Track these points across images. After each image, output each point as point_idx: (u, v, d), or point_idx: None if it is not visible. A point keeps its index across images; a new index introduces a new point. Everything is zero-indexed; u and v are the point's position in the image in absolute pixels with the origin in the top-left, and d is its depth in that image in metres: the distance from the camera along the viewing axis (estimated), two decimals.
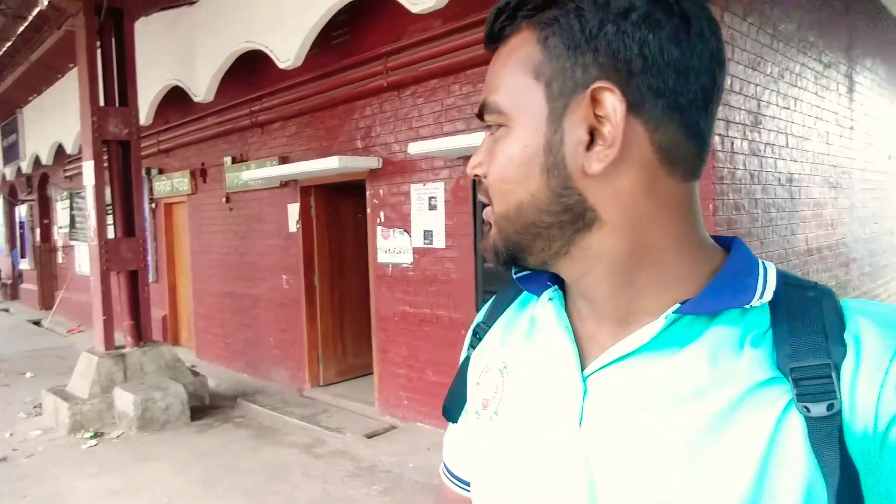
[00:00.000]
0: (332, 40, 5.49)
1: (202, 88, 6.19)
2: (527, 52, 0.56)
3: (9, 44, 8.15)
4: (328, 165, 5.17)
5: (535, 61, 0.55)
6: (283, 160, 6.36)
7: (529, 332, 0.68)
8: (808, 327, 0.52)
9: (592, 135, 0.54)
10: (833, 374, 0.49)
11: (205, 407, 6.00)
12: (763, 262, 0.58)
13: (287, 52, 5.01)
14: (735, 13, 3.39)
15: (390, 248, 5.26)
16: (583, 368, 0.59)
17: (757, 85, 3.65)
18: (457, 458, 0.79)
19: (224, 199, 7.39)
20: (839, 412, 0.49)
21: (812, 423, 0.49)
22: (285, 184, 6.41)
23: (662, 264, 0.57)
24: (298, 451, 4.86)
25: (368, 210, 5.46)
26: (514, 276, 0.69)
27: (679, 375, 0.54)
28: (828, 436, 0.48)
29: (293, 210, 6.35)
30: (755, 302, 0.54)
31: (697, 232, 0.58)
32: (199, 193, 7.98)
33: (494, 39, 0.60)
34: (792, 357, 0.51)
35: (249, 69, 6.22)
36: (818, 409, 0.49)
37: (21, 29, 7.52)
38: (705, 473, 0.50)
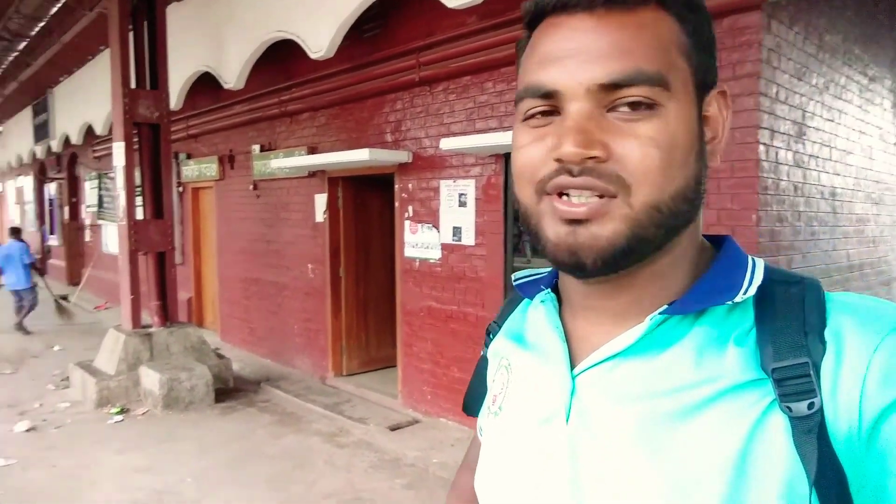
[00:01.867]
0: (364, 32, 5.49)
1: (233, 75, 6.22)
2: (673, 33, 0.55)
3: (42, 24, 8.26)
4: (358, 157, 5.19)
5: (686, 46, 0.55)
6: (312, 150, 6.40)
7: (527, 332, 0.71)
8: (789, 325, 0.53)
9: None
10: (812, 373, 0.50)
11: (229, 390, 6.10)
12: (753, 259, 0.59)
13: (319, 42, 5.02)
14: (781, 21, 3.34)
15: (418, 243, 5.29)
16: (573, 367, 0.61)
17: (802, 95, 3.60)
18: None
19: (251, 187, 7.45)
20: (820, 410, 0.49)
21: (794, 422, 0.49)
22: (313, 174, 6.45)
23: (684, 262, 0.60)
24: (322, 439, 4.93)
25: (396, 204, 5.48)
26: (515, 283, 0.72)
27: (663, 373, 0.55)
28: (808, 433, 0.48)
29: (321, 200, 6.39)
30: (738, 298, 0.54)
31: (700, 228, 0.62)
32: (226, 179, 8.05)
33: (607, 1, 0.54)
34: (774, 357, 0.51)
35: (280, 58, 6.25)
36: (799, 408, 0.49)
37: (54, 10, 7.62)
38: (671, 456, 0.52)
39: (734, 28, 3.29)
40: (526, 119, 0.58)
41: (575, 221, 0.54)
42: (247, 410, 5.63)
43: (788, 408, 0.49)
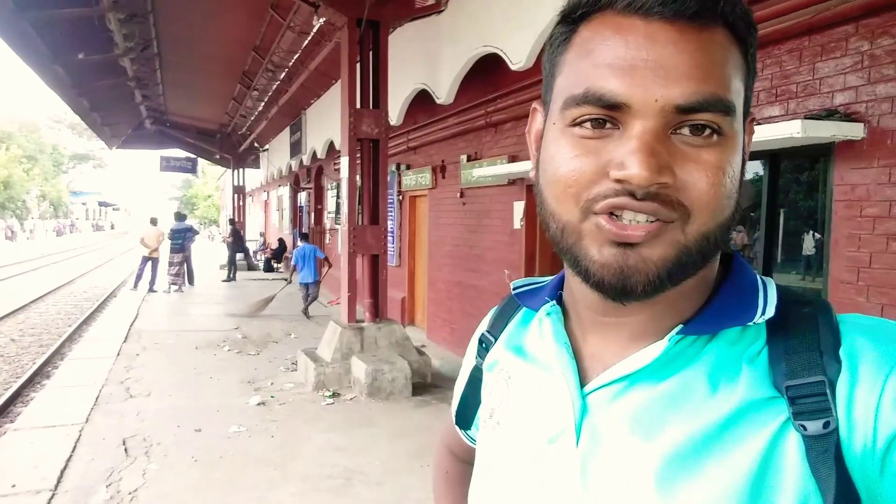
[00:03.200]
0: None
1: (444, 91, 6.65)
2: (736, 57, 0.52)
3: (296, 55, 9.63)
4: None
5: (743, 71, 0.52)
6: (513, 159, 6.57)
7: (527, 344, 0.68)
8: (803, 344, 0.51)
9: None
10: (828, 391, 0.48)
11: (426, 384, 6.50)
12: (762, 279, 0.57)
13: (518, 54, 5.16)
14: None
15: None
16: (582, 385, 0.58)
17: None
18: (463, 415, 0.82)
19: (458, 195, 7.87)
20: (836, 430, 0.48)
21: (809, 442, 0.48)
22: (513, 182, 6.62)
23: (702, 282, 0.57)
24: None
25: None
26: (514, 292, 0.70)
27: (677, 396, 0.53)
28: (824, 453, 0.47)
29: (518, 208, 6.53)
30: (757, 319, 0.52)
31: None
32: (438, 188, 8.60)
33: (692, 15, 0.49)
34: (788, 375, 0.50)
35: (486, 72, 6.53)
36: (814, 427, 0.48)
37: (305, 43, 8.84)
38: (687, 493, 0.50)
39: None
40: (572, 125, 0.52)
41: (626, 244, 0.50)
42: (439, 405, 5.95)
43: (803, 426, 0.48)
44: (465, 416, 0.78)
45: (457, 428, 0.86)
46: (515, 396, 0.65)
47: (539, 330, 0.66)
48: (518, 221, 6.55)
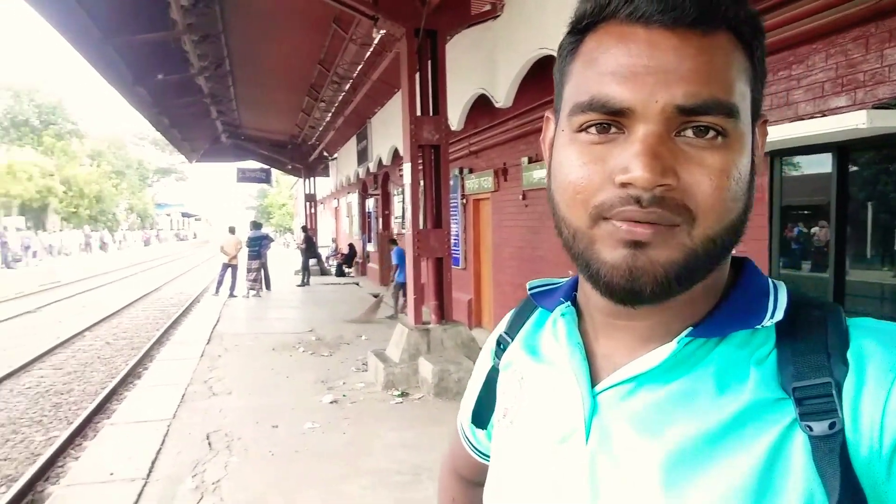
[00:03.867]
0: None
1: (502, 95, 6.73)
2: (741, 61, 0.52)
3: (360, 66, 9.93)
4: None
5: (749, 74, 0.53)
6: None
7: (542, 345, 0.69)
8: (811, 347, 0.52)
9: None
10: (834, 392, 0.49)
11: None
12: (774, 282, 0.57)
13: None
14: None
15: None
16: (593, 385, 0.59)
17: None
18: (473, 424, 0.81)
19: (521, 197, 7.94)
20: (841, 430, 0.48)
21: (815, 442, 0.49)
22: None
23: (712, 286, 0.58)
24: None
25: None
26: (530, 293, 0.71)
27: (685, 397, 0.54)
28: (830, 453, 0.48)
29: None
30: (766, 322, 0.53)
31: None
32: (500, 191, 8.69)
33: (711, 17, 0.51)
34: (795, 377, 0.51)
35: (544, 75, 6.56)
36: (820, 428, 0.49)
37: (367, 54, 9.12)
38: (694, 492, 0.51)
39: None
40: (578, 131, 0.54)
41: (636, 244, 0.51)
42: None
43: (809, 427, 0.49)
44: (481, 417, 0.78)
45: (464, 444, 0.86)
46: (528, 396, 0.66)
47: (553, 330, 0.67)
48: None
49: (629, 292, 0.52)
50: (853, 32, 3.79)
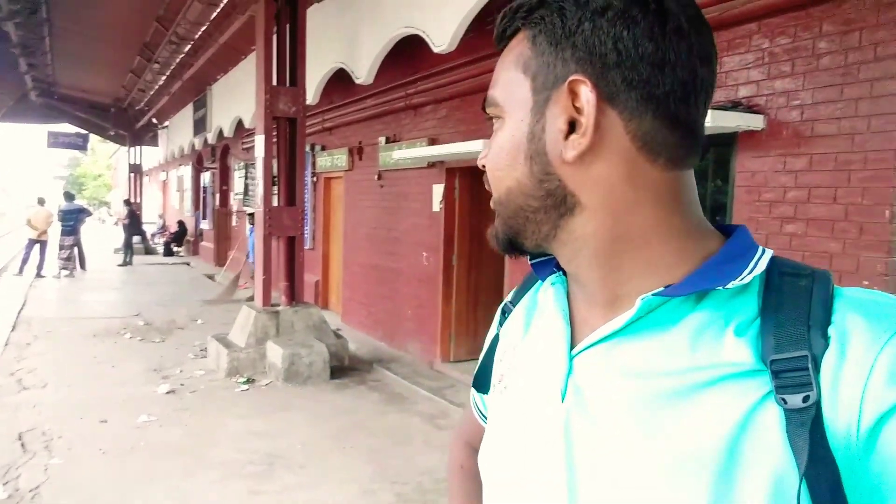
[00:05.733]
0: (486, 25, 5.54)
1: (363, 71, 6.53)
2: (519, 50, 0.60)
3: (203, 28, 9.13)
4: (474, 148, 5.27)
5: (525, 57, 0.60)
6: (432, 142, 6.58)
7: (535, 313, 0.72)
8: (792, 318, 0.52)
9: (573, 125, 0.57)
10: (811, 367, 0.49)
11: (344, 368, 6.43)
12: (763, 249, 0.58)
13: (442, 36, 5.14)
14: None
15: None
16: (572, 348, 0.62)
17: None
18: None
19: (376, 177, 7.80)
20: (816, 404, 0.49)
21: (789, 415, 0.49)
22: (432, 164, 6.63)
23: (647, 249, 0.58)
24: (423, 419, 5.08)
25: None
26: (530, 262, 0.73)
27: (657, 354, 0.55)
28: (801, 426, 0.48)
29: (437, 190, 6.56)
30: (734, 283, 0.53)
31: (687, 218, 0.59)
32: (355, 170, 8.48)
33: (500, 40, 0.64)
34: (775, 349, 0.51)
35: (407, 53, 6.47)
36: (794, 401, 0.49)
37: (213, 15, 8.40)
38: (664, 435, 0.52)
39: (879, 4, 2.99)
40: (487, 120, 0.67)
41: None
42: (358, 388, 5.91)
43: (783, 399, 0.50)
44: (485, 383, 0.81)
45: (473, 411, 0.90)
46: (520, 361, 0.69)
47: (544, 298, 0.70)
48: (437, 204, 6.58)
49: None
50: None
